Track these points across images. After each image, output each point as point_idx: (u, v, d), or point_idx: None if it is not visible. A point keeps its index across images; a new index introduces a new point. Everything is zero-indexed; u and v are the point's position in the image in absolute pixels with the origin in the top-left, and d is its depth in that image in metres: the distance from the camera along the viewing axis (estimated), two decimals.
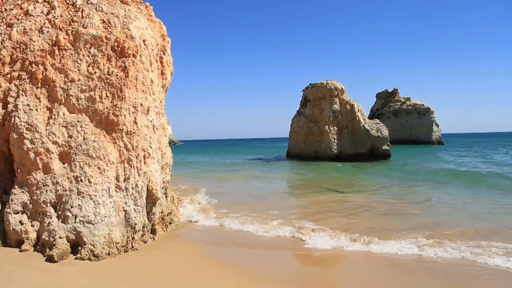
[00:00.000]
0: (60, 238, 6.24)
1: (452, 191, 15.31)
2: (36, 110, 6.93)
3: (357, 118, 34.22)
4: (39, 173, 6.70)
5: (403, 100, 78.46)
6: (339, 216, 10.38)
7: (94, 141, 6.87)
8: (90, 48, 7.32)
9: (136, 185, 7.20)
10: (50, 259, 5.98)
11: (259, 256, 7.25)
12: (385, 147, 33.89)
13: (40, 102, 7.00)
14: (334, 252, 7.28)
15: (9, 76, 7.12)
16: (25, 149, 6.71)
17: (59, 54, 7.18)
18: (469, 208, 11.60)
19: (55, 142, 6.81)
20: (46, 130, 6.85)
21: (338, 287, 5.86)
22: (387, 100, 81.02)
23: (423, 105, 74.89)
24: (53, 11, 7.52)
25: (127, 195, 7.04)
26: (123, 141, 7.17)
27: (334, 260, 7.03)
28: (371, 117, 52.62)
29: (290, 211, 11.11)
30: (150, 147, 7.72)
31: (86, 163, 6.74)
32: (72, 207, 6.45)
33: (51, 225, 6.37)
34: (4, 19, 7.40)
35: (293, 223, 9.24)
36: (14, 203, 6.60)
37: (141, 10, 8.76)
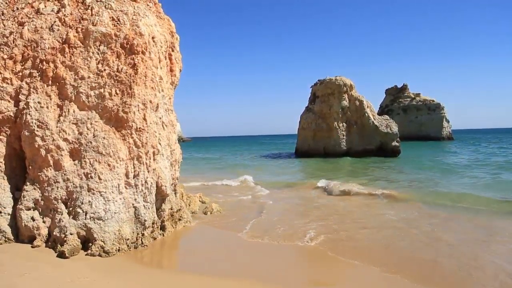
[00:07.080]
0: (71, 234, 6.31)
1: None
2: (47, 107, 7.00)
3: (366, 114, 33.98)
4: (50, 170, 6.77)
5: (412, 96, 77.61)
6: None
7: (103, 138, 6.92)
8: (99, 45, 7.36)
9: (146, 181, 7.24)
10: (61, 255, 6.05)
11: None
12: (394, 143, 33.61)
13: (50, 99, 7.07)
14: None
15: (20, 74, 7.21)
16: (36, 146, 6.78)
17: (69, 51, 7.23)
18: None
19: (65, 139, 6.87)
20: (56, 127, 6.92)
21: None
22: (397, 96, 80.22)
23: (433, 101, 73.98)
24: (63, 9, 7.57)
25: (136, 191, 7.09)
26: (132, 138, 7.20)
27: None
28: (380, 113, 52.07)
29: None
30: (159, 143, 7.75)
31: (96, 160, 6.79)
32: (82, 203, 6.51)
33: (62, 221, 6.44)
34: (15, 18, 7.48)
35: None
36: (26, 200, 6.69)
37: (150, 7, 8.77)
